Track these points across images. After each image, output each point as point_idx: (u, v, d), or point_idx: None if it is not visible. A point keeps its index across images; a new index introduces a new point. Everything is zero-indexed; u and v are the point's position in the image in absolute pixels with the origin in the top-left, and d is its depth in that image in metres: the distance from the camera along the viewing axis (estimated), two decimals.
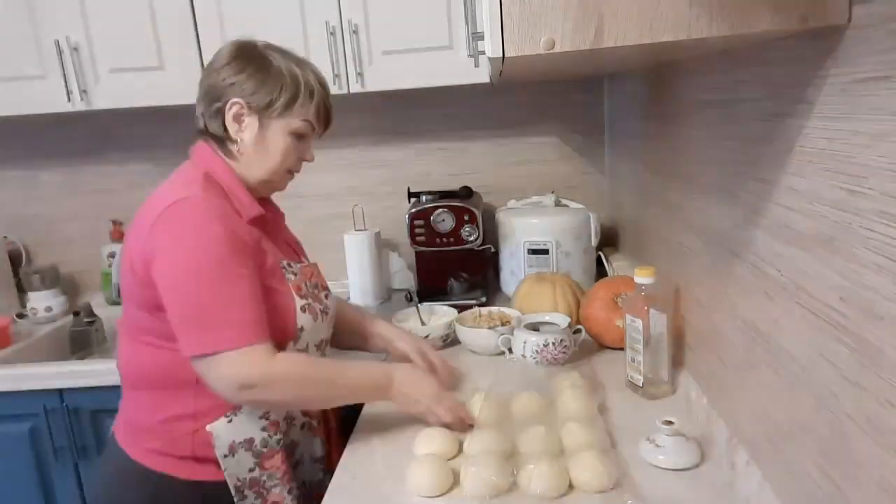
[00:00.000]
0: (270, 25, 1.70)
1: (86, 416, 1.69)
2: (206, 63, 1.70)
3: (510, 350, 1.39)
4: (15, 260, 2.18)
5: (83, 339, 1.99)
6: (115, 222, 2.17)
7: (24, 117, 1.96)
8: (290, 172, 1.14)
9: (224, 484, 1.05)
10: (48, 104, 1.78)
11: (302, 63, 1.10)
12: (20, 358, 1.80)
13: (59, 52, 1.73)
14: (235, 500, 1.06)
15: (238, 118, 1.07)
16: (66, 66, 1.74)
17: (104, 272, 2.16)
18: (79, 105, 1.77)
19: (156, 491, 1.05)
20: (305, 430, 1.17)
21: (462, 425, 1.11)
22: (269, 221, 1.14)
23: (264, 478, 1.08)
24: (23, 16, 1.73)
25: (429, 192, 1.86)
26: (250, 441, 1.06)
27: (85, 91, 1.76)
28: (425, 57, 1.71)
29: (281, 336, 1.05)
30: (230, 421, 1.05)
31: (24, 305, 2.09)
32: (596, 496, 0.92)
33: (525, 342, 1.34)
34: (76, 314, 2.00)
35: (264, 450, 1.07)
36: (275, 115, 1.07)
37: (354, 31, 1.70)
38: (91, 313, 2.01)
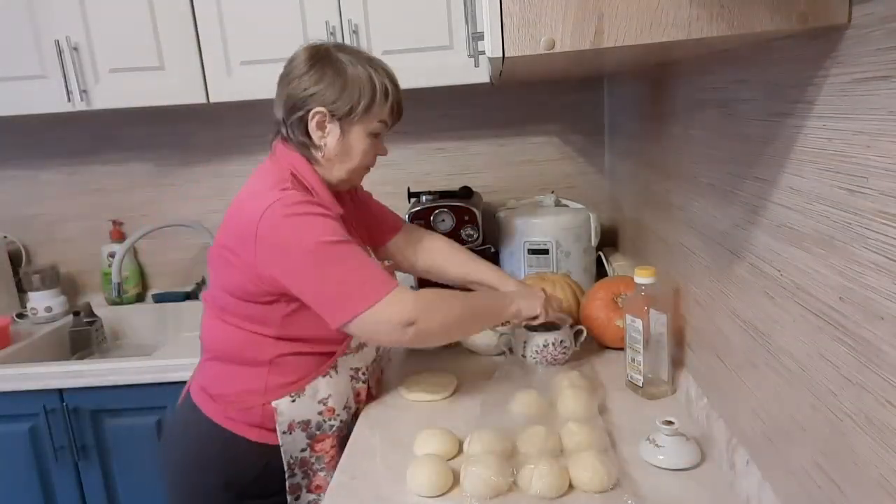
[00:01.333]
0: (270, 25, 1.71)
1: (86, 416, 1.69)
2: (204, 63, 1.74)
3: (510, 350, 1.39)
4: (15, 260, 2.18)
5: (83, 339, 1.99)
6: (115, 222, 2.17)
7: (24, 117, 1.96)
8: (368, 168, 1.22)
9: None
10: (48, 104, 1.78)
11: (373, 63, 1.15)
12: (20, 358, 1.80)
13: (59, 52, 1.73)
14: (286, 475, 1.15)
15: (321, 126, 1.12)
16: (66, 66, 1.74)
17: (104, 272, 2.16)
18: (79, 105, 1.77)
19: (226, 447, 1.14)
20: (354, 419, 1.23)
21: (562, 316, 1.34)
22: (347, 219, 1.21)
23: (313, 460, 1.17)
24: (23, 16, 1.73)
25: (429, 192, 1.86)
26: (307, 423, 1.15)
27: (85, 91, 1.76)
28: (425, 57, 1.71)
29: None
30: (293, 401, 1.14)
31: (24, 305, 2.09)
32: (596, 496, 0.92)
33: (525, 342, 1.34)
34: (76, 314, 2.00)
35: (317, 433, 1.16)
36: (356, 119, 1.12)
37: (354, 31, 1.70)
38: (91, 313, 2.02)
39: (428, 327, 1.08)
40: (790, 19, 0.62)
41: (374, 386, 1.31)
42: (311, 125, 1.11)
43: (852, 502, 0.64)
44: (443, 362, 1.45)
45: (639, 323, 1.17)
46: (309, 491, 1.18)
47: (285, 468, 1.15)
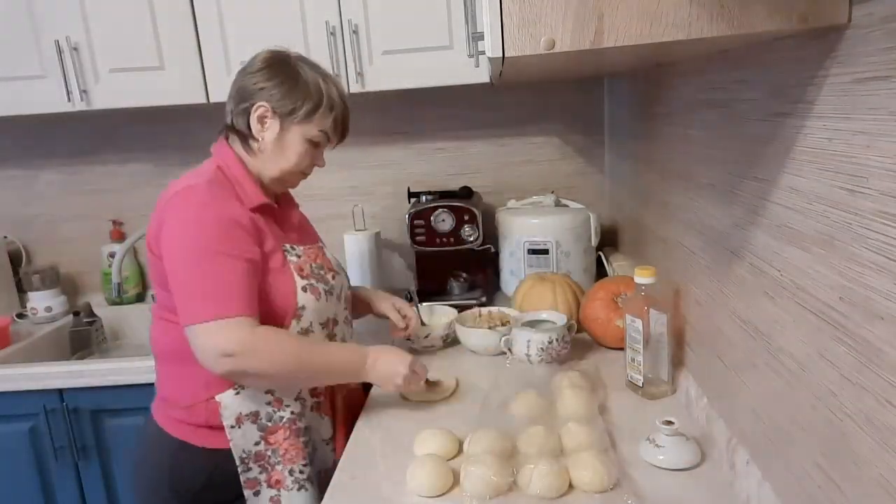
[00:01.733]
0: (270, 25, 1.71)
1: (86, 416, 1.69)
2: (204, 63, 1.74)
3: (510, 350, 1.39)
4: (15, 260, 2.18)
5: (83, 339, 1.99)
6: (115, 222, 2.17)
7: (24, 117, 1.96)
8: (303, 174, 1.24)
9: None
10: (48, 104, 1.78)
11: (328, 78, 1.20)
12: (20, 358, 1.80)
13: (59, 52, 1.73)
14: (240, 470, 1.13)
15: (262, 119, 1.16)
16: (66, 66, 1.74)
17: (104, 272, 2.16)
18: (79, 105, 1.77)
19: (174, 455, 1.15)
20: (314, 412, 1.21)
21: (421, 388, 1.25)
22: (277, 211, 1.23)
23: (269, 453, 1.15)
24: (23, 16, 1.73)
25: (429, 192, 1.86)
26: (256, 414, 1.14)
27: (85, 91, 1.76)
28: (425, 57, 1.71)
29: (282, 314, 1.14)
30: (237, 393, 1.13)
31: (24, 305, 2.09)
32: (596, 496, 0.92)
33: (529, 341, 1.34)
34: (76, 314, 2.00)
35: (269, 424, 1.14)
36: (295, 121, 1.16)
37: (354, 31, 1.70)
38: (91, 313, 2.02)
39: (246, 367, 1.04)
40: (790, 19, 0.62)
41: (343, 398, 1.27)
42: (253, 117, 1.16)
43: (852, 502, 0.64)
44: (443, 362, 1.45)
45: (639, 323, 1.17)
46: (269, 486, 1.15)
47: (237, 462, 1.13)
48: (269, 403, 1.14)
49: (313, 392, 1.20)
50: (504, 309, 1.59)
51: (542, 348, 1.34)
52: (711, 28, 0.63)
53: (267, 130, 1.16)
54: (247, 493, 1.15)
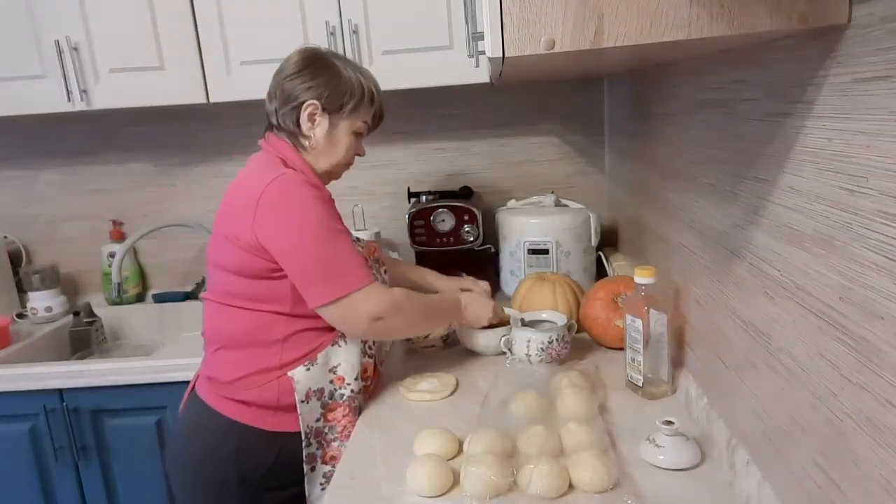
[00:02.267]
0: (270, 25, 1.71)
1: (86, 416, 1.69)
2: (204, 63, 1.74)
3: (511, 350, 1.39)
4: (15, 260, 2.18)
5: (83, 339, 1.99)
6: (115, 222, 2.17)
7: (24, 117, 1.96)
8: (348, 165, 1.31)
9: (298, 436, 1.18)
10: (48, 104, 1.78)
11: (363, 71, 1.27)
12: (20, 358, 1.80)
13: (59, 52, 1.73)
14: (304, 445, 1.18)
15: (312, 117, 1.22)
16: (66, 66, 1.74)
17: (104, 272, 2.16)
18: (79, 105, 1.77)
19: (241, 438, 1.17)
20: (362, 395, 1.27)
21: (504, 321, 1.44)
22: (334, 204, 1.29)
23: (326, 430, 1.21)
24: (23, 16, 1.73)
25: (429, 192, 1.86)
26: (321, 391, 1.20)
27: (85, 91, 1.76)
28: (425, 57, 1.71)
29: None
30: (308, 370, 1.19)
31: (24, 305, 2.09)
32: (596, 496, 0.92)
33: (529, 341, 1.34)
34: (76, 314, 2.00)
35: (330, 401, 1.21)
36: (344, 115, 1.23)
37: (354, 31, 1.70)
38: (91, 313, 2.02)
39: (393, 324, 1.18)
40: (790, 19, 0.62)
41: (380, 363, 1.36)
42: (303, 116, 1.21)
43: (852, 502, 0.64)
44: (442, 362, 1.45)
45: (639, 323, 1.17)
46: (323, 462, 1.21)
47: (303, 437, 1.17)
48: (331, 381, 1.21)
49: (364, 374, 1.26)
50: (504, 309, 1.59)
51: (542, 348, 1.34)
52: (711, 28, 0.63)
53: (318, 127, 1.22)
54: (305, 468, 1.19)
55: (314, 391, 1.19)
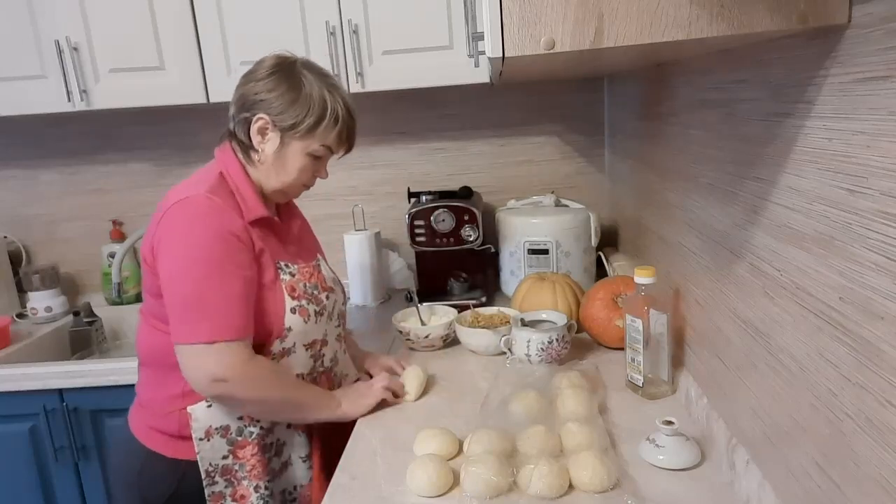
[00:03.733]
0: (270, 25, 1.71)
1: (86, 416, 1.69)
2: (204, 63, 1.74)
3: (511, 350, 1.39)
4: (15, 260, 2.18)
5: (83, 339, 1.99)
6: (115, 222, 2.17)
7: (24, 117, 1.96)
8: (305, 186, 1.21)
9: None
10: (48, 104, 1.78)
11: (335, 88, 1.15)
12: (20, 358, 1.80)
13: (59, 52, 1.73)
14: (205, 483, 1.11)
15: (262, 131, 1.13)
16: (66, 66, 1.74)
17: (104, 272, 2.16)
18: (79, 105, 1.77)
19: (142, 464, 1.14)
20: (291, 429, 1.18)
21: (398, 392, 1.26)
22: (277, 224, 1.20)
23: (236, 467, 1.13)
24: (23, 16, 1.73)
25: (429, 192, 1.86)
26: (226, 428, 1.12)
27: (85, 91, 1.76)
28: (425, 57, 1.71)
29: (267, 333, 1.11)
30: (209, 406, 1.11)
31: (24, 305, 2.09)
32: (596, 496, 0.92)
33: (529, 341, 1.34)
34: (76, 314, 2.00)
35: (238, 438, 1.12)
36: (297, 136, 1.13)
37: (354, 31, 1.70)
38: (91, 313, 2.02)
39: (236, 394, 1.05)
40: (790, 19, 0.62)
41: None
42: (254, 129, 1.13)
43: (852, 502, 0.64)
44: (443, 362, 1.45)
45: (639, 323, 1.17)
46: (233, 500, 1.13)
47: (203, 475, 1.11)
48: (240, 418, 1.12)
49: None
50: (504, 309, 1.59)
51: (542, 348, 1.34)
52: (711, 28, 0.63)
53: (267, 143, 1.13)
54: None
55: (217, 429, 1.10)
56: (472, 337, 1.47)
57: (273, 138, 1.13)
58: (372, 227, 2.02)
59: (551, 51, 0.65)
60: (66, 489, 1.74)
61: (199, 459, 1.10)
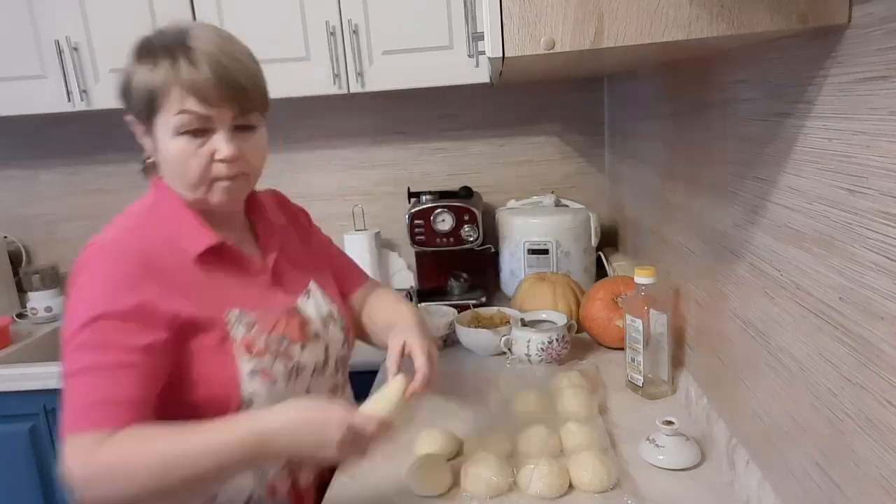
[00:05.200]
0: (270, 25, 1.71)
1: None
2: None
3: (511, 350, 1.39)
4: (15, 260, 2.18)
5: None
6: None
7: (24, 117, 1.96)
8: (216, 180, 0.88)
9: None
10: (48, 104, 1.78)
11: (177, 28, 0.86)
12: (20, 358, 1.80)
13: (59, 52, 1.73)
14: None
15: (142, 136, 0.91)
16: (66, 66, 1.74)
17: None
18: (79, 105, 1.77)
19: None
20: (270, 497, 0.94)
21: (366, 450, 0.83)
22: (234, 253, 0.94)
23: None
24: (23, 16, 1.73)
25: (429, 192, 1.86)
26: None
27: (85, 91, 1.76)
28: (425, 57, 1.71)
29: (223, 404, 0.86)
30: None
31: (24, 305, 2.09)
32: (596, 496, 0.92)
33: (529, 341, 1.34)
34: None
35: None
36: (151, 118, 0.86)
37: (354, 31, 1.70)
38: None
39: (97, 496, 0.78)
40: (790, 19, 0.62)
41: (310, 478, 1.00)
42: (137, 136, 0.92)
43: (852, 502, 0.64)
44: (442, 363, 1.44)
45: (639, 323, 1.17)
46: None
47: None
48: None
49: (272, 495, 0.94)
50: (504, 309, 1.59)
51: (542, 348, 1.34)
52: (711, 28, 0.63)
53: (148, 147, 0.91)
54: None
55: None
56: (472, 337, 1.47)
57: (145, 138, 0.90)
58: (372, 227, 2.02)
59: (551, 51, 0.65)
60: (66, 489, 1.74)
61: None
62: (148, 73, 0.84)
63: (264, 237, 1.02)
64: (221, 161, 0.87)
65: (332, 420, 0.79)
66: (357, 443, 0.80)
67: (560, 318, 1.40)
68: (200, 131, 0.85)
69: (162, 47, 0.84)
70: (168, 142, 0.86)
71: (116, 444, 0.78)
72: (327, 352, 1.00)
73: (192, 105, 0.83)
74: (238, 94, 0.85)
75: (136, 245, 0.86)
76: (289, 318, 0.95)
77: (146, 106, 0.85)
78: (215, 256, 0.91)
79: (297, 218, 1.14)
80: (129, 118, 0.90)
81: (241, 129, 0.88)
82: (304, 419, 0.80)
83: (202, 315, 0.87)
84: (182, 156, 0.86)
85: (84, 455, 0.77)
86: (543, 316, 1.44)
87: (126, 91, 0.88)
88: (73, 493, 0.80)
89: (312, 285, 1.04)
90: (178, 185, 0.90)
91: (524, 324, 1.40)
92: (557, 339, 1.34)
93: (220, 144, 0.86)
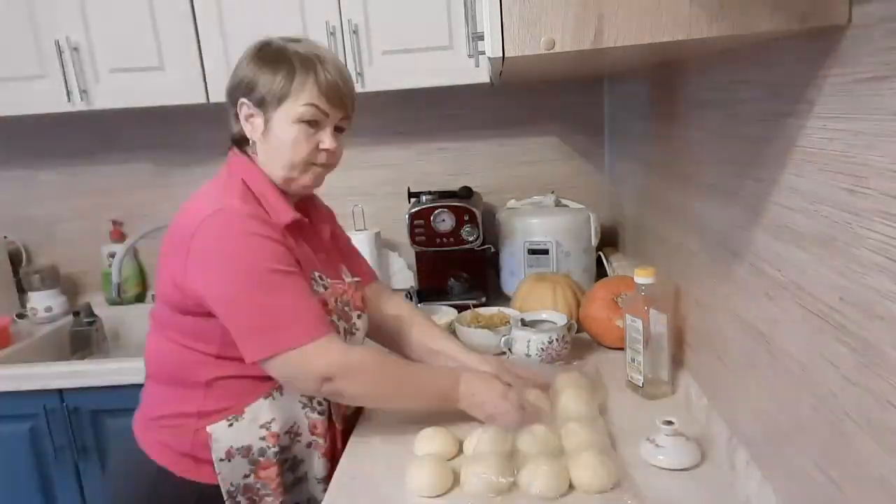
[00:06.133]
0: (270, 25, 1.68)
1: (86, 416, 1.69)
2: (204, 63, 1.74)
3: (511, 350, 1.39)
4: (15, 260, 2.18)
5: (83, 339, 1.99)
6: (115, 222, 2.17)
7: (24, 117, 1.96)
8: (312, 165, 1.08)
9: (218, 488, 1.05)
10: (48, 104, 1.78)
11: (305, 42, 1.07)
12: (20, 358, 1.80)
13: (59, 52, 1.73)
14: (227, 503, 1.06)
15: (249, 118, 1.07)
16: (66, 66, 1.74)
17: (104, 272, 2.16)
18: (79, 105, 1.77)
19: (154, 482, 1.06)
20: (311, 449, 1.11)
21: (525, 422, 1.05)
22: (308, 228, 1.13)
23: (258, 486, 1.07)
24: (23, 16, 1.73)
25: (429, 192, 1.86)
26: (248, 449, 1.05)
27: (85, 91, 1.76)
28: (425, 57, 1.71)
29: None
30: (231, 425, 1.04)
31: (24, 305, 2.09)
32: (596, 496, 0.92)
33: (529, 341, 1.34)
34: (76, 314, 2.00)
35: (261, 459, 1.06)
36: (275, 105, 1.04)
37: (354, 31, 1.70)
38: (91, 313, 2.02)
39: (346, 389, 1.01)
40: (790, 19, 0.62)
41: (340, 421, 1.14)
42: (242, 119, 1.07)
43: (852, 502, 0.64)
44: None
45: (639, 323, 1.17)
46: None
47: (225, 497, 1.05)
48: (262, 438, 1.05)
49: (313, 431, 1.10)
50: (504, 309, 1.59)
51: (542, 348, 1.33)
52: (711, 28, 0.63)
53: (256, 127, 1.06)
54: None
55: (238, 449, 1.04)
56: (472, 337, 1.47)
57: (258, 120, 1.05)
58: (372, 227, 2.02)
59: (551, 51, 0.65)
60: (66, 489, 1.74)
61: (220, 481, 1.04)
62: (284, 71, 1.03)
63: (316, 221, 1.20)
64: (324, 150, 1.07)
65: (505, 392, 1.08)
66: (513, 414, 1.06)
67: (560, 319, 1.40)
68: (314, 123, 1.05)
69: (295, 53, 1.04)
70: (286, 126, 1.04)
71: (365, 351, 1.05)
72: (365, 329, 1.19)
73: (320, 101, 1.04)
74: (348, 102, 1.09)
75: (252, 210, 1.02)
76: (354, 289, 1.16)
77: (275, 96, 1.03)
78: (294, 229, 1.08)
79: (331, 213, 1.30)
80: (243, 102, 1.05)
81: (338, 129, 1.10)
82: (486, 383, 1.09)
83: (303, 270, 1.05)
84: (296, 139, 1.04)
85: (339, 352, 0.99)
86: (544, 316, 1.44)
87: (249, 82, 1.05)
88: (318, 392, 1.01)
89: (346, 271, 1.22)
90: (276, 162, 1.06)
91: (524, 324, 1.40)
92: (557, 339, 1.34)
93: (326, 137, 1.06)
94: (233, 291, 0.98)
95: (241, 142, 1.11)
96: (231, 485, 1.05)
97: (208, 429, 1.03)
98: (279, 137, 1.05)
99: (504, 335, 1.40)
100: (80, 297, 2.20)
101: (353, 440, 1.15)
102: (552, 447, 1.01)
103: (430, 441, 1.06)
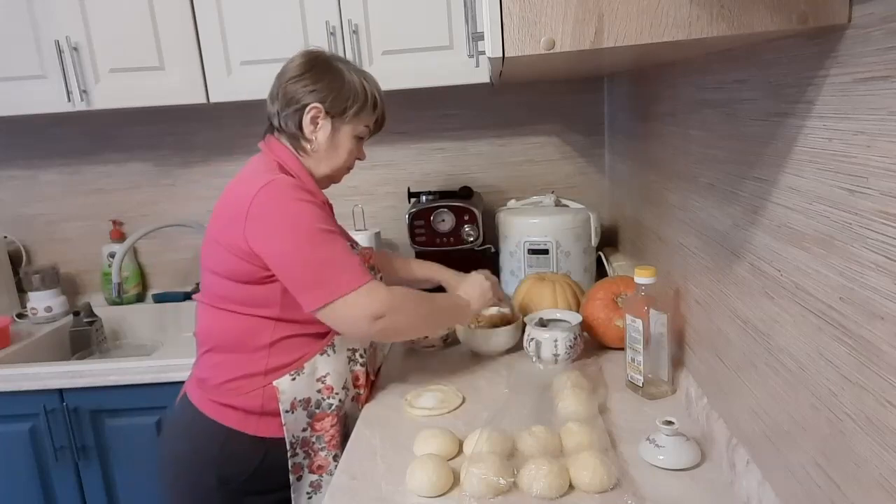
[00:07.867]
0: (270, 25, 1.71)
1: (86, 416, 1.69)
2: (204, 63, 1.74)
3: (539, 355, 1.34)
4: (15, 260, 2.18)
5: (83, 339, 1.99)
6: (115, 222, 2.17)
7: (24, 117, 1.96)
8: (348, 169, 1.31)
9: (282, 441, 1.18)
10: (48, 104, 1.78)
11: (366, 76, 1.27)
12: (20, 358, 1.80)
13: (59, 52, 1.73)
14: (289, 454, 1.18)
15: (315, 120, 1.22)
16: (66, 66, 1.74)
17: (104, 272, 2.16)
18: (79, 105, 1.77)
19: (225, 441, 1.17)
20: (355, 403, 1.27)
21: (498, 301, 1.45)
22: (331, 210, 1.31)
23: (313, 439, 1.21)
24: (23, 16, 1.73)
25: (429, 192, 1.86)
26: (307, 401, 1.19)
27: (85, 91, 1.76)
28: (425, 57, 1.71)
29: None
30: (293, 379, 1.18)
31: (24, 305, 2.09)
32: (596, 496, 0.92)
33: (556, 340, 1.32)
34: (76, 314, 2.00)
35: (317, 411, 1.20)
36: (346, 120, 1.23)
37: (354, 31, 1.70)
38: (91, 313, 2.02)
39: (395, 323, 1.15)
40: (790, 19, 0.62)
41: (373, 372, 1.35)
42: (306, 119, 1.21)
43: (852, 502, 0.64)
44: (442, 363, 1.45)
45: (639, 323, 1.17)
46: (311, 471, 1.21)
47: (288, 447, 1.18)
48: (319, 391, 1.20)
49: (355, 383, 1.26)
50: (504, 309, 1.58)
51: (569, 346, 1.33)
52: (711, 28, 0.63)
53: (320, 131, 1.22)
54: (291, 477, 1.19)
55: (300, 401, 1.19)
56: (472, 337, 1.47)
57: (325, 126, 1.22)
58: (372, 227, 2.02)
59: (551, 51, 0.65)
60: (66, 489, 1.74)
61: (285, 431, 1.17)
62: (364, 97, 1.24)
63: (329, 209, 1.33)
64: (359, 159, 1.32)
65: (484, 282, 1.42)
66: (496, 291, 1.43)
67: (573, 317, 1.40)
68: (360, 139, 1.28)
69: (365, 74, 1.27)
70: (347, 138, 1.25)
71: (400, 289, 1.19)
72: None
73: (373, 126, 1.30)
74: (383, 128, 1.34)
75: (298, 182, 1.18)
76: (372, 254, 1.36)
77: (352, 113, 1.23)
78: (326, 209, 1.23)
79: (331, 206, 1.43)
80: (315, 106, 1.20)
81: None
82: (475, 282, 1.42)
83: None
84: (350, 150, 1.27)
85: (385, 292, 1.14)
86: (557, 315, 1.43)
87: (336, 96, 1.21)
88: (372, 329, 1.13)
89: None
90: (328, 162, 1.25)
91: (536, 324, 1.39)
92: (578, 336, 1.34)
93: (363, 151, 1.32)
94: (289, 247, 1.11)
95: (286, 133, 1.24)
96: (293, 436, 1.19)
97: (275, 383, 1.17)
98: (340, 145, 1.25)
99: (532, 338, 1.36)
100: (80, 297, 2.21)
101: (353, 440, 1.15)
102: (552, 447, 1.01)
103: (430, 441, 1.06)
